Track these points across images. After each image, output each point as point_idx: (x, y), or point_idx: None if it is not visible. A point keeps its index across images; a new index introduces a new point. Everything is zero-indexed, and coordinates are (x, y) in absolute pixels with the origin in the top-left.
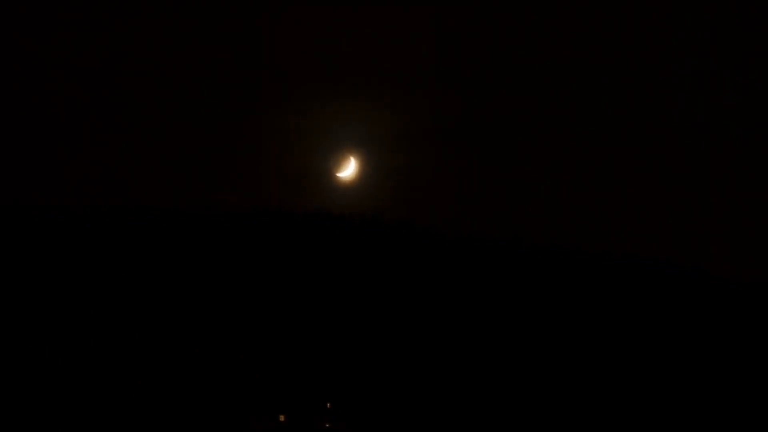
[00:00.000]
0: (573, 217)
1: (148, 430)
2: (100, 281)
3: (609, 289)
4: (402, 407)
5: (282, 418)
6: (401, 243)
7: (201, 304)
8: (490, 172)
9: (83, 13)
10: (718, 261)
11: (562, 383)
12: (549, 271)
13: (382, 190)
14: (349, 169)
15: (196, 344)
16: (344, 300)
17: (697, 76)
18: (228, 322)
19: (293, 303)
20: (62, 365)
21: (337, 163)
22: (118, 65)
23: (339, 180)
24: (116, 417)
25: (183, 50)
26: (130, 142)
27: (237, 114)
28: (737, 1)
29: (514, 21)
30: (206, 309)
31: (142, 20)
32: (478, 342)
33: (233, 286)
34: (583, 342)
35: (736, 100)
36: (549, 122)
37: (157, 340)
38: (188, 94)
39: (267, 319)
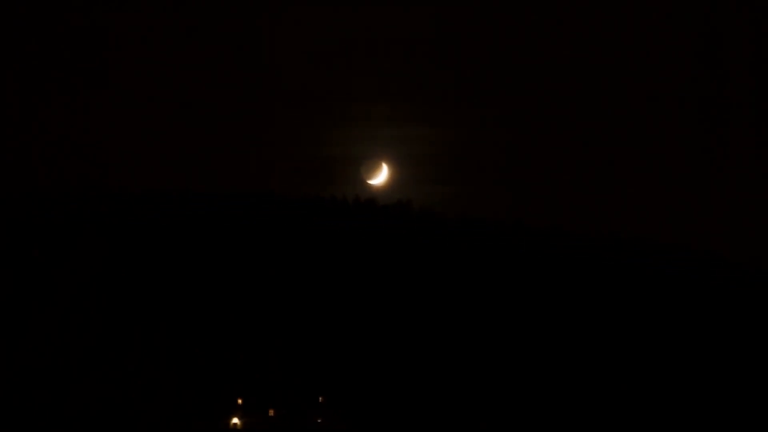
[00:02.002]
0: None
1: (148, 428)
2: (100, 281)
3: (618, 278)
4: (396, 402)
5: (271, 412)
6: (398, 243)
7: (200, 304)
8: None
9: (83, 8)
10: (727, 250)
11: (567, 376)
12: (568, 261)
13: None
14: (380, 176)
15: (195, 343)
16: (339, 298)
17: (704, 71)
18: (226, 321)
19: (289, 301)
20: (62, 365)
21: (369, 170)
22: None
23: (371, 187)
24: (116, 416)
25: (208, 56)
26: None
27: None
28: (737, 1)
29: (516, 21)
30: (205, 308)
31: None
32: (473, 339)
33: (232, 286)
34: (591, 331)
35: (739, 97)
36: (562, 120)
37: (157, 340)
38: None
39: (265, 317)
